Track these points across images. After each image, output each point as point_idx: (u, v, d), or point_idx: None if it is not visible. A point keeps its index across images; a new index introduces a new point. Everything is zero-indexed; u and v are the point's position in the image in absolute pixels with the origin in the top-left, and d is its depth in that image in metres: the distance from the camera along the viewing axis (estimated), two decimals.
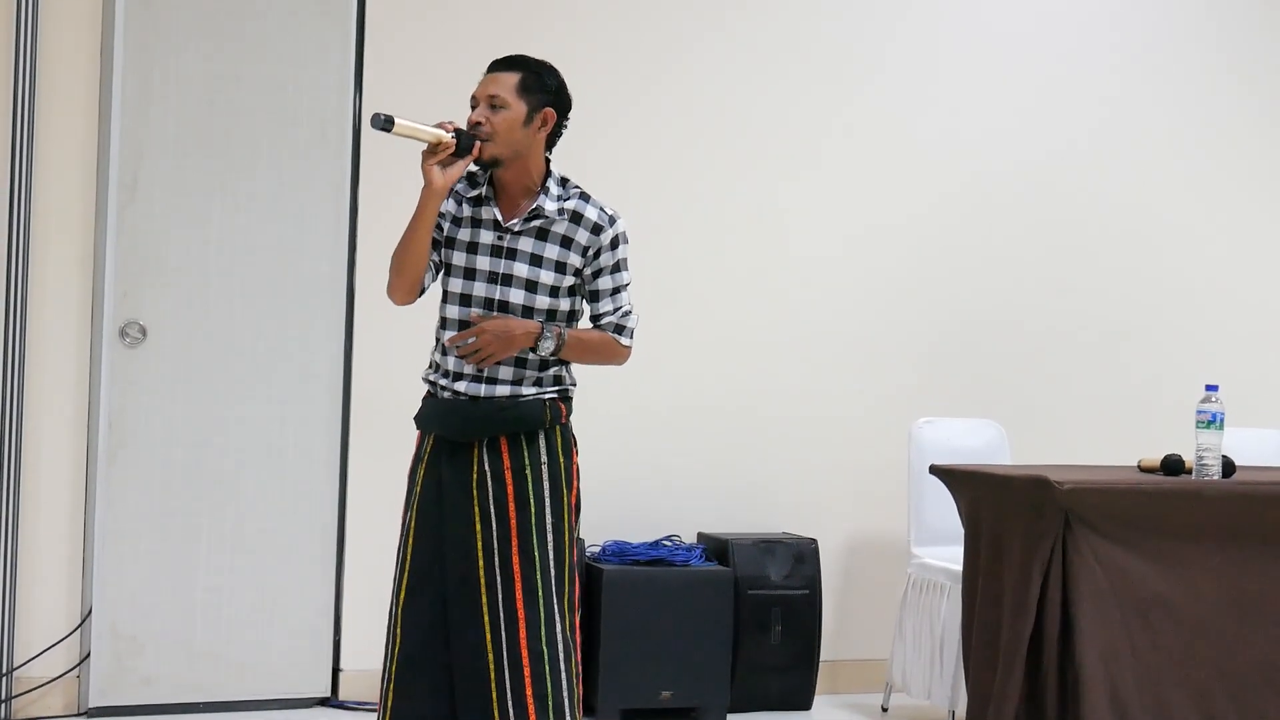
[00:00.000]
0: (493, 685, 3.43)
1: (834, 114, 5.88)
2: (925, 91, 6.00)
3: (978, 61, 6.08)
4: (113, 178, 5.01)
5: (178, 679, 5.09)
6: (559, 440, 3.55)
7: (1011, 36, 6.14)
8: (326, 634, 5.27)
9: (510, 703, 3.42)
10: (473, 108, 3.52)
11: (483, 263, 3.52)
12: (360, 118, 5.27)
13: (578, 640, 3.55)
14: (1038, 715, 4.41)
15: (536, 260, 3.51)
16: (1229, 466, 4.72)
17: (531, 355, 3.51)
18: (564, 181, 3.60)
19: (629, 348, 3.66)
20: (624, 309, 3.61)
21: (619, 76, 5.61)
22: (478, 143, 3.45)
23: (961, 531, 4.78)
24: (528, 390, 3.52)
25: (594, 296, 3.60)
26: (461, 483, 3.50)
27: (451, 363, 3.53)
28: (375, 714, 5.01)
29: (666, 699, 5.17)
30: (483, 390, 3.50)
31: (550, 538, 3.49)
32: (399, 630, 3.52)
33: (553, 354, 3.50)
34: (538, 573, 3.46)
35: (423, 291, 3.58)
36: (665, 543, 5.40)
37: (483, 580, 3.46)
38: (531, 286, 3.50)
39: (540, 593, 3.46)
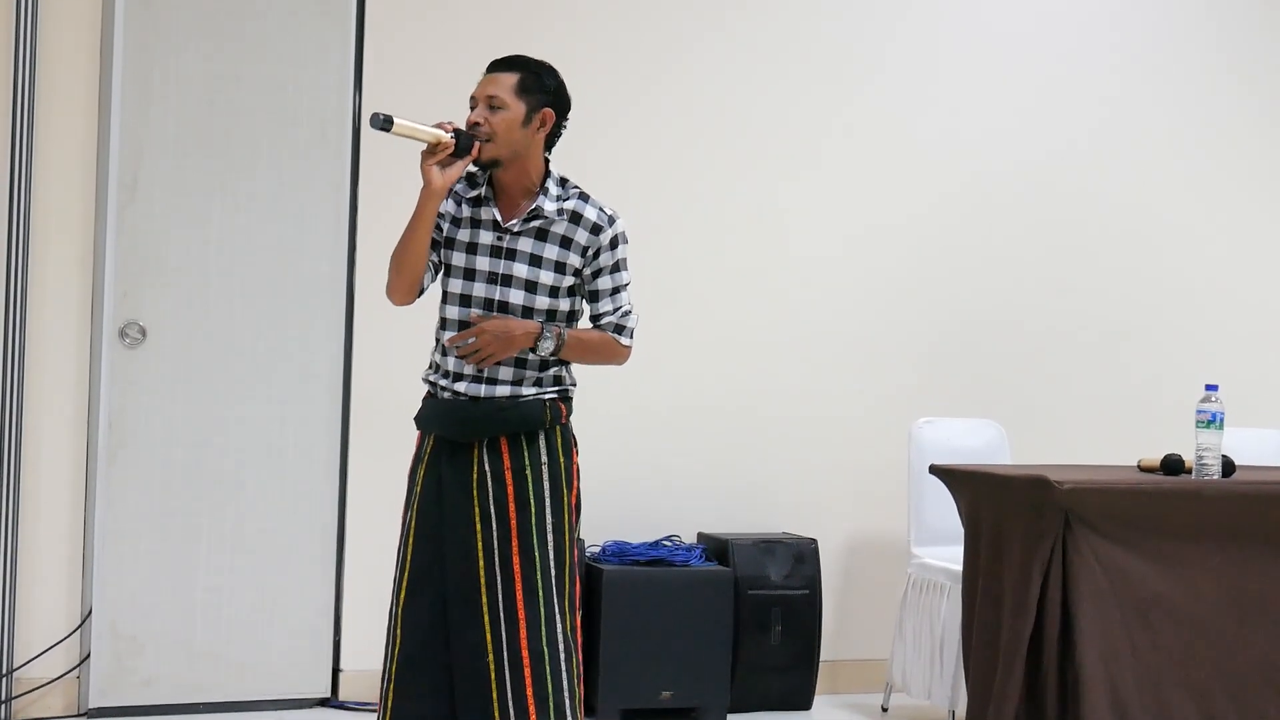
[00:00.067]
0: (493, 685, 3.43)
1: (834, 114, 5.88)
2: (925, 91, 6.00)
3: (978, 61, 6.09)
4: (113, 177, 5.01)
5: (178, 679, 5.09)
6: (559, 440, 3.55)
7: (1011, 36, 6.14)
8: (326, 634, 5.27)
9: (510, 703, 3.42)
10: (471, 108, 3.52)
11: (482, 263, 3.52)
12: (360, 118, 5.27)
13: (578, 640, 3.55)
14: (1038, 715, 4.41)
15: (536, 261, 3.51)
16: (1229, 466, 4.72)
17: (531, 355, 3.51)
18: (563, 182, 3.59)
19: (629, 348, 3.66)
20: (624, 309, 3.61)
21: (619, 76, 5.61)
22: (477, 143, 3.45)
23: (961, 531, 4.78)
24: (528, 390, 3.52)
25: (594, 296, 3.60)
26: (462, 483, 3.50)
27: (451, 363, 3.53)
28: (375, 714, 5.01)
29: (666, 699, 5.17)
30: (483, 390, 3.50)
31: (550, 538, 3.49)
32: (399, 630, 3.52)
33: (552, 354, 3.50)
34: (538, 572, 3.46)
35: (422, 292, 3.58)
36: (665, 543, 5.40)
37: (483, 580, 3.46)
38: (531, 287, 3.50)
39: (540, 592, 3.46)
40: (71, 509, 5.04)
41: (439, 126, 3.41)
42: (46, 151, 4.98)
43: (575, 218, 3.53)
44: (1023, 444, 5.78)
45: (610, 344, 3.62)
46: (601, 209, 3.57)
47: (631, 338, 3.65)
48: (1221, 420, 4.62)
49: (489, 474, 3.49)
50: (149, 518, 5.06)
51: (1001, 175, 6.10)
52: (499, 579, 3.46)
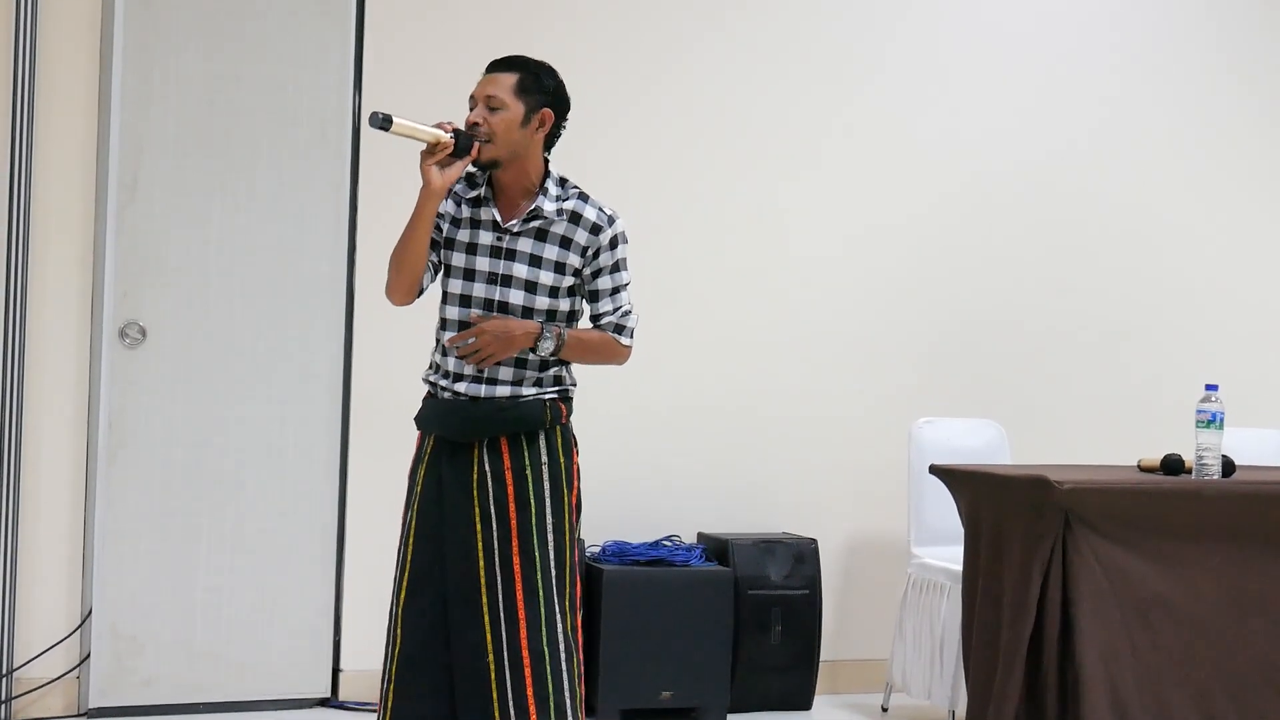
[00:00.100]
0: (493, 685, 3.43)
1: (834, 114, 5.88)
2: (925, 91, 6.00)
3: (978, 61, 6.08)
4: (112, 178, 5.01)
5: (178, 679, 5.09)
6: (559, 440, 3.55)
7: (1011, 36, 6.14)
8: (326, 634, 5.27)
9: (511, 703, 3.42)
10: (471, 108, 3.52)
11: (482, 264, 3.52)
12: (360, 118, 5.27)
13: (579, 640, 3.54)
14: (1038, 715, 4.41)
15: (535, 261, 3.50)
16: (1229, 466, 4.72)
17: (531, 356, 3.51)
18: (563, 182, 3.59)
19: (629, 347, 3.66)
20: (624, 309, 3.61)
21: (619, 76, 5.61)
22: (476, 143, 3.44)
23: (961, 531, 4.78)
24: (528, 391, 3.52)
25: (593, 296, 3.59)
26: (462, 483, 3.50)
27: (452, 363, 3.53)
28: (375, 714, 5.01)
29: (666, 699, 5.17)
30: (483, 391, 3.50)
31: (551, 537, 3.49)
32: (399, 630, 3.52)
33: (553, 354, 3.50)
34: (538, 572, 3.46)
35: (421, 292, 3.57)
36: (665, 543, 5.40)
37: (483, 580, 3.46)
38: (531, 287, 3.50)
39: (541, 592, 3.46)
40: (71, 509, 5.04)
41: (438, 126, 3.41)
42: (46, 151, 4.98)
43: (575, 218, 3.53)
44: (1023, 444, 5.78)
45: (610, 344, 3.62)
46: (601, 209, 3.56)
47: (632, 338, 3.65)
48: (1221, 420, 4.62)
49: (489, 474, 3.49)
50: (149, 518, 5.06)
51: (1001, 175, 6.10)
52: (499, 579, 3.46)
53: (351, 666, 5.29)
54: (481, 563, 3.46)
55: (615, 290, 3.60)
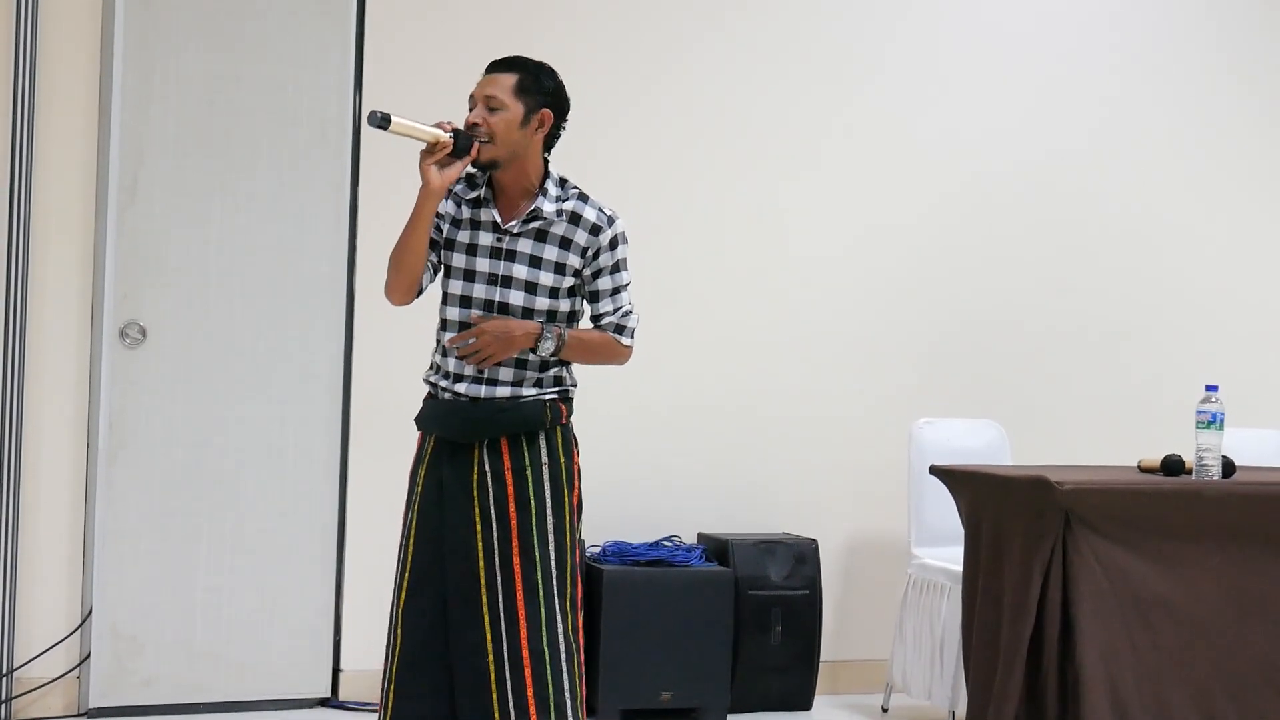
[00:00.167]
0: (493, 685, 3.43)
1: (834, 114, 5.88)
2: (925, 91, 6.00)
3: (978, 61, 6.08)
4: (113, 178, 5.01)
5: (178, 679, 5.09)
6: (559, 441, 3.55)
7: (1011, 36, 6.14)
8: (327, 634, 5.27)
9: (511, 703, 3.42)
10: (470, 108, 3.52)
11: (482, 265, 3.52)
12: (360, 118, 5.27)
13: (580, 641, 3.54)
14: (1038, 715, 4.41)
15: (535, 262, 3.50)
16: (1229, 467, 4.72)
17: (532, 356, 3.50)
18: (563, 182, 3.59)
19: (630, 348, 3.66)
20: (624, 309, 3.61)
21: (619, 76, 5.60)
22: (475, 143, 3.44)
23: (962, 532, 4.78)
24: (528, 391, 3.52)
25: (594, 297, 3.59)
26: (462, 483, 3.50)
27: (452, 364, 3.53)
28: (376, 714, 5.01)
29: (667, 699, 5.17)
30: (483, 391, 3.50)
31: (551, 538, 3.49)
32: (400, 630, 3.52)
33: (553, 355, 3.50)
34: (538, 572, 3.46)
35: (420, 292, 3.57)
36: (665, 543, 5.40)
37: (483, 580, 3.46)
38: (531, 288, 3.50)
39: (541, 592, 3.46)
40: (72, 509, 5.04)
41: (438, 126, 3.41)
42: (47, 152, 4.98)
43: (574, 218, 3.53)
44: (1023, 444, 5.77)
45: (611, 344, 3.62)
46: (601, 209, 3.56)
47: (632, 338, 3.65)
48: (1222, 421, 4.62)
49: (489, 474, 3.49)
50: (149, 518, 5.06)
51: (1001, 175, 6.10)
52: (499, 579, 3.46)
53: (352, 666, 5.29)
54: (482, 563, 3.46)
55: (615, 290, 3.60)
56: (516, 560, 3.46)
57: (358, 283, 5.30)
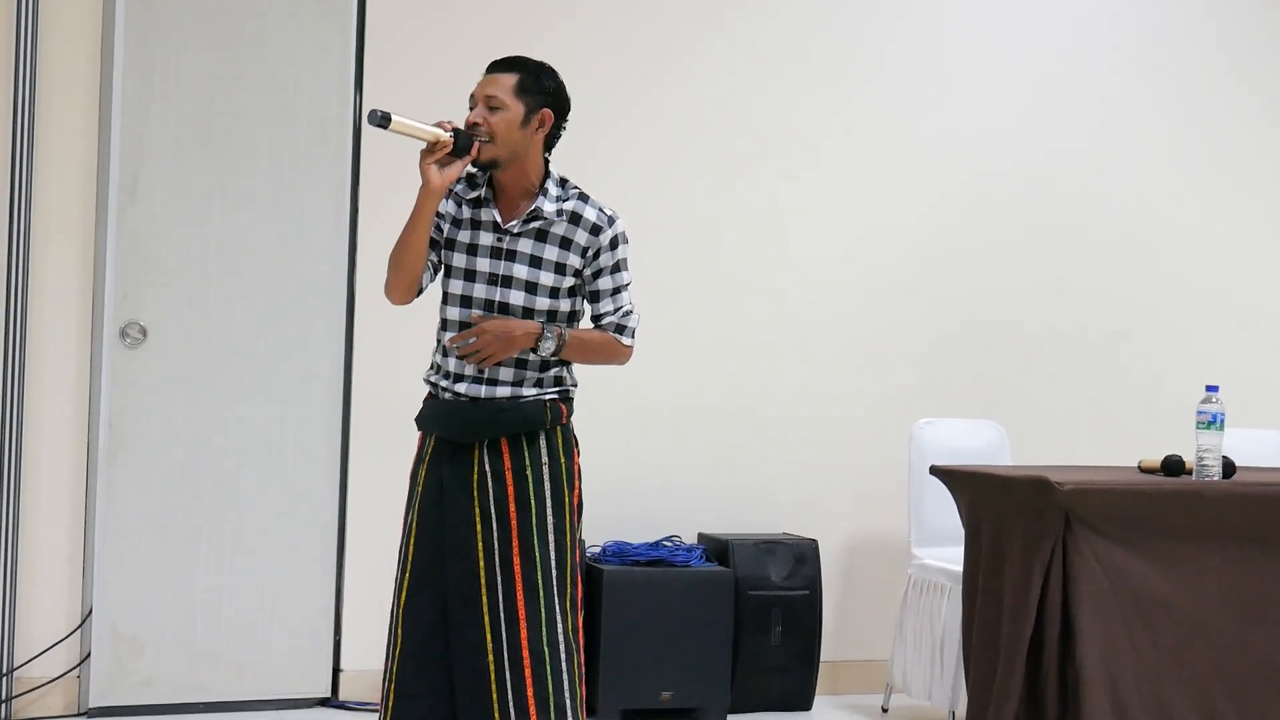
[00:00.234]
0: (493, 685, 3.43)
1: (834, 114, 5.88)
2: (925, 91, 6.00)
3: (978, 61, 6.08)
4: (113, 178, 5.02)
5: (178, 679, 5.09)
6: (560, 441, 3.55)
7: (1011, 36, 6.14)
8: (327, 634, 5.27)
9: (511, 703, 3.42)
10: (471, 108, 3.52)
11: (482, 264, 3.52)
12: (360, 118, 5.27)
13: (580, 641, 3.54)
14: (1038, 715, 4.41)
15: (536, 262, 3.50)
16: (1229, 467, 4.72)
17: (532, 356, 3.51)
18: (563, 182, 3.59)
19: (630, 347, 3.66)
20: (624, 309, 3.61)
21: (619, 76, 5.61)
22: (476, 143, 3.44)
23: (962, 532, 4.77)
24: (528, 391, 3.52)
25: (594, 297, 3.59)
26: (462, 483, 3.50)
27: (452, 364, 3.53)
28: (376, 714, 5.02)
29: (667, 699, 5.17)
30: (483, 391, 3.50)
31: (551, 538, 3.49)
32: (400, 630, 3.52)
33: (553, 354, 3.50)
34: (538, 572, 3.46)
35: (420, 291, 3.57)
36: (666, 543, 5.40)
37: (483, 580, 3.46)
38: (531, 288, 3.50)
39: (541, 592, 3.46)
40: (72, 509, 5.04)
41: (438, 125, 3.41)
42: (47, 152, 4.98)
43: (575, 218, 3.53)
44: (1023, 445, 5.78)
45: (611, 344, 3.62)
46: (601, 209, 3.56)
47: (633, 338, 3.65)
48: (1222, 421, 4.62)
49: (489, 474, 3.49)
50: (149, 518, 5.06)
51: (1001, 175, 6.10)
52: (499, 579, 3.46)
53: (352, 666, 5.29)
54: (482, 563, 3.46)
55: (616, 290, 3.60)
56: (516, 560, 3.46)
57: (358, 283, 5.30)
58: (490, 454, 3.50)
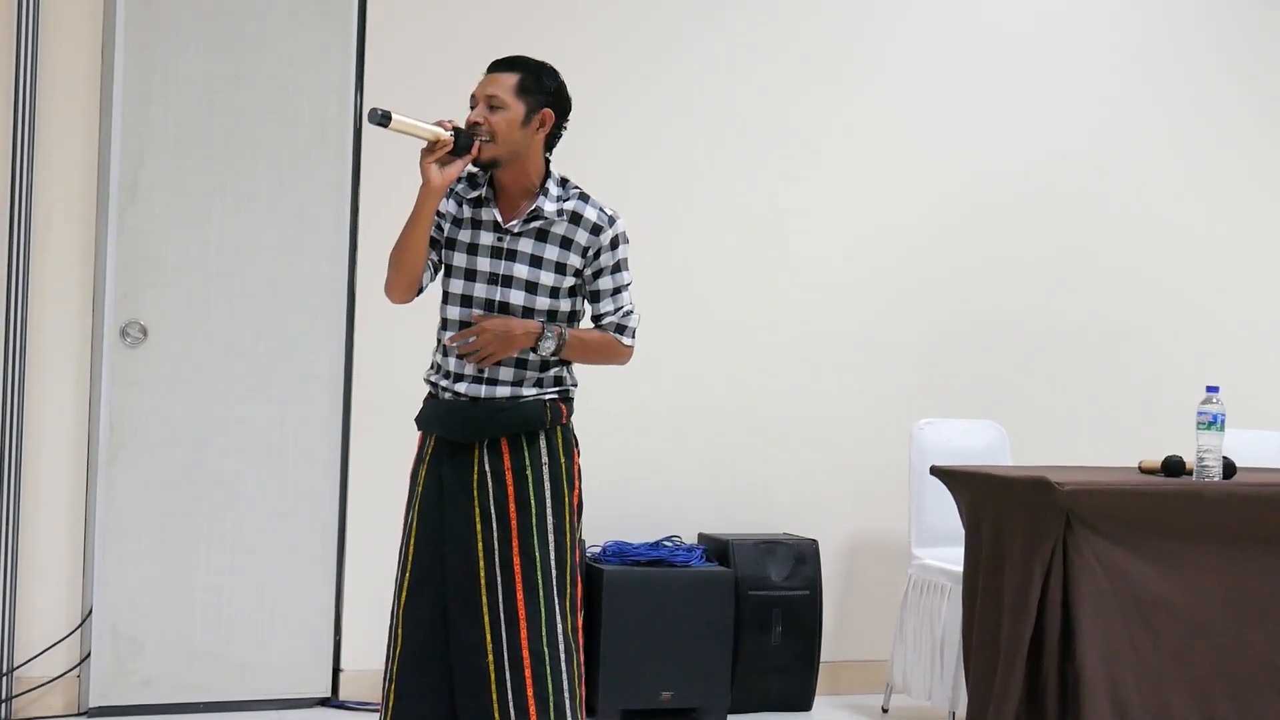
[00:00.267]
0: (493, 685, 3.43)
1: (834, 114, 5.88)
2: (925, 91, 6.00)
3: (978, 61, 6.08)
4: (113, 178, 5.01)
5: (178, 679, 5.09)
6: (559, 441, 3.55)
7: (1011, 36, 6.14)
8: (327, 634, 5.27)
9: (511, 703, 3.42)
10: (472, 107, 3.52)
11: (483, 264, 3.52)
12: (361, 118, 5.27)
13: (579, 641, 3.54)
14: (1038, 716, 4.41)
15: (536, 261, 3.50)
16: (1230, 468, 4.71)
17: (532, 356, 3.50)
18: (564, 182, 3.59)
19: (630, 348, 3.66)
20: (625, 309, 3.61)
21: (619, 76, 5.60)
22: (477, 142, 3.44)
23: (962, 532, 4.77)
24: (528, 391, 3.52)
25: (595, 297, 3.59)
26: (462, 483, 3.50)
27: (452, 363, 3.53)
28: (376, 714, 5.02)
29: (667, 700, 5.17)
30: (483, 391, 3.49)
31: (551, 538, 3.49)
32: (400, 630, 3.52)
33: (553, 354, 3.50)
34: (538, 572, 3.46)
35: (421, 290, 3.57)
36: (666, 543, 5.40)
37: (483, 580, 3.46)
38: (531, 288, 3.50)
39: (541, 592, 3.46)
40: (72, 508, 5.04)
41: (438, 124, 3.41)
42: (47, 152, 4.98)
43: (575, 218, 3.53)
44: (1023, 445, 5.78)
45: (611, 344, 3.62)
46: (602, 209, 3.56)
47: (633, 338, 3.65)
48: (1222, 422, 4.62)
49: (489, 474, 3.49)
50: (149, 517, 5.06)
51: (1002, 175, 6.10)
52: (499, 579, 3.46)
53: (352, 666, 5.29)
54: (481, 563, 3.46)
55: (616, 290, 3.60)
56: (516, 560, 3.46)
57: (358, 283, 5.30)
58: (490, 454, 3.50)
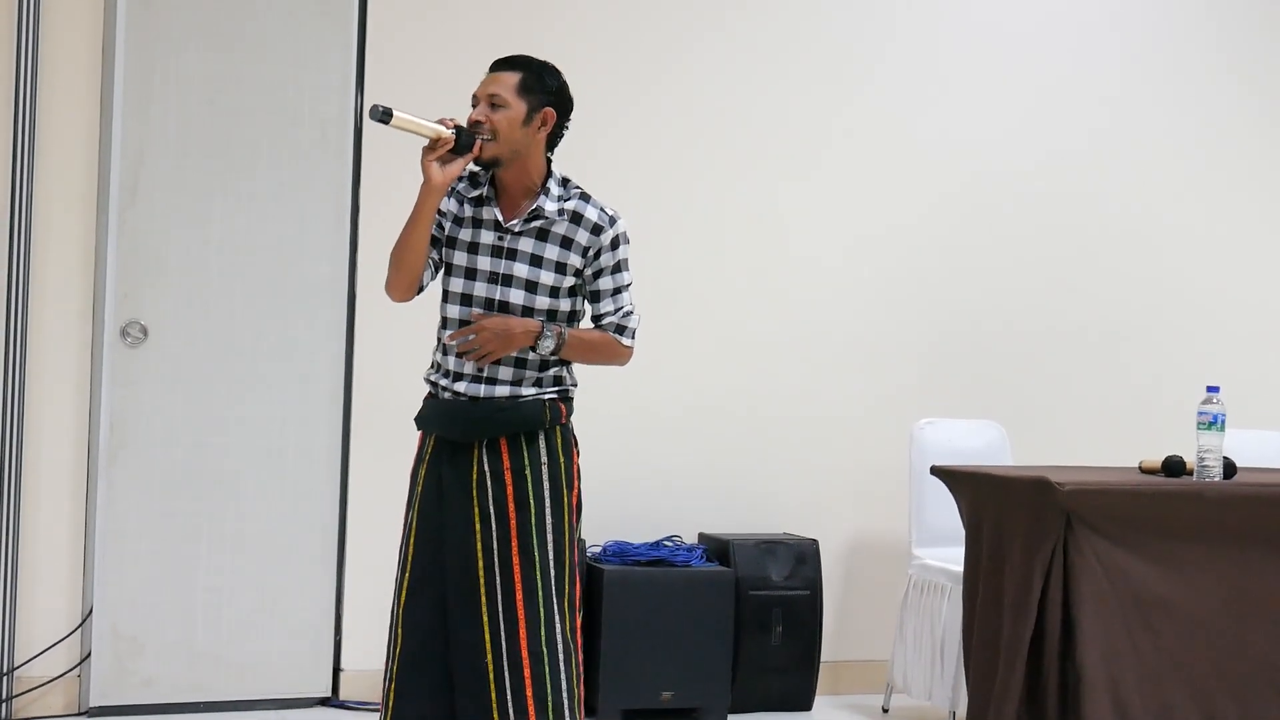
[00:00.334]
0: (492, 686, 3.42)
1: (834, 115, 5.88)
2: (925, 92, 6.00)
3: (978, 62, 6.08)
4: (114, 178, 5.01)
5: (178, 679, 5.09)
6: (559, 441, 3.54)
7: (1012, 37, 6.14)
8: (327, 634, 5.27)
9: (510, 703, 3.41)
10: (473, 106, 3.51)
11: (483, 263, 3.52)
12: (361, 118, 5.27)
13: (579, 642, 3.54)
14: (1039, 716, 4.41)
15: (536, 261, 3.50)
16: (1230, 468, 4.71)
17: (531, 355, 3.50)
18: (565, 182, 3.59)
19: (630, 348, 3.66)
20: (625, 309, 3.61)
21: (619, 76, 5.60)
22: (478, 141, 3.44)
23: (962, 532, 4.77)
24: (527, 390, 3.52)
25: (595, 297, 3.59)
26: (462, 483, 3.50)
27: (452, 362, 3.53)
28: (377, 714, 5.01)
29: (667, 699, 5.17)
30: (482, 390, 3.49)
31: (550, 538, 3.49)
32: (400, 630, 3.52)
33: (552, 353, 3.50)
34: (537, 573, 3.46)
35: (421, 289, 3.57)
36: (666, 543, 5.40)
37: (482, 580, 3.46)
38: (531, 287, 3.50)
39: (540, 593, 3.45)
40: (72, 509, 5.04)
41: (440, 122, 3.41)
42: (48, 153, 4.98)
43: (576, 218, 3.53)
44: (1024, 445, 5.77)
45: (611, 344, 3.62)
46: (603, 209, 3.56)
47: (633, 338, 3.64)
48: (1223, 422, 4.61)
49: (488, 474, 3.49)
50: (150, 517, 5.06)
51: (1002, 176, 6.10)
52: (498, 579, 3.46)
53: (352, 666, 5.29)
54: (481, 563, 3.46)
55: (616, 291, 3.59)
56: (516, 560, 3.46)
57: (358, 282, 5.30)
58: (489, 454, 3.49)
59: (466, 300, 3.52)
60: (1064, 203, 6.19)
